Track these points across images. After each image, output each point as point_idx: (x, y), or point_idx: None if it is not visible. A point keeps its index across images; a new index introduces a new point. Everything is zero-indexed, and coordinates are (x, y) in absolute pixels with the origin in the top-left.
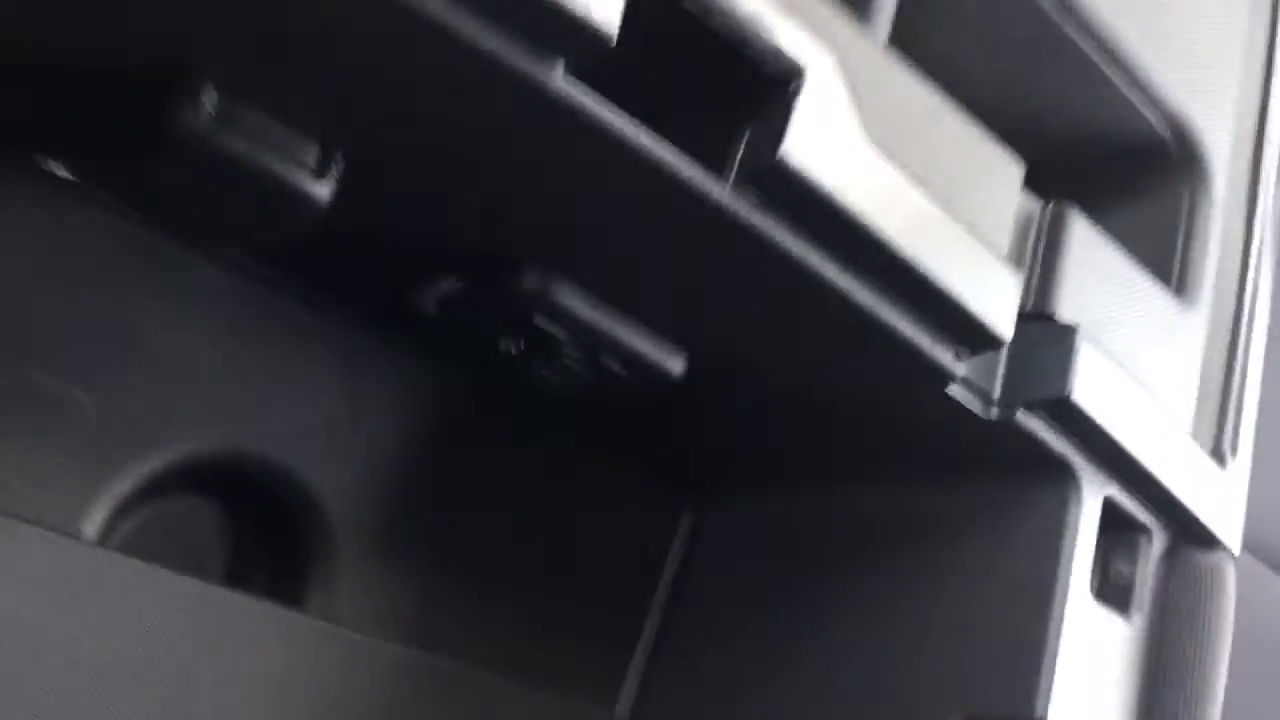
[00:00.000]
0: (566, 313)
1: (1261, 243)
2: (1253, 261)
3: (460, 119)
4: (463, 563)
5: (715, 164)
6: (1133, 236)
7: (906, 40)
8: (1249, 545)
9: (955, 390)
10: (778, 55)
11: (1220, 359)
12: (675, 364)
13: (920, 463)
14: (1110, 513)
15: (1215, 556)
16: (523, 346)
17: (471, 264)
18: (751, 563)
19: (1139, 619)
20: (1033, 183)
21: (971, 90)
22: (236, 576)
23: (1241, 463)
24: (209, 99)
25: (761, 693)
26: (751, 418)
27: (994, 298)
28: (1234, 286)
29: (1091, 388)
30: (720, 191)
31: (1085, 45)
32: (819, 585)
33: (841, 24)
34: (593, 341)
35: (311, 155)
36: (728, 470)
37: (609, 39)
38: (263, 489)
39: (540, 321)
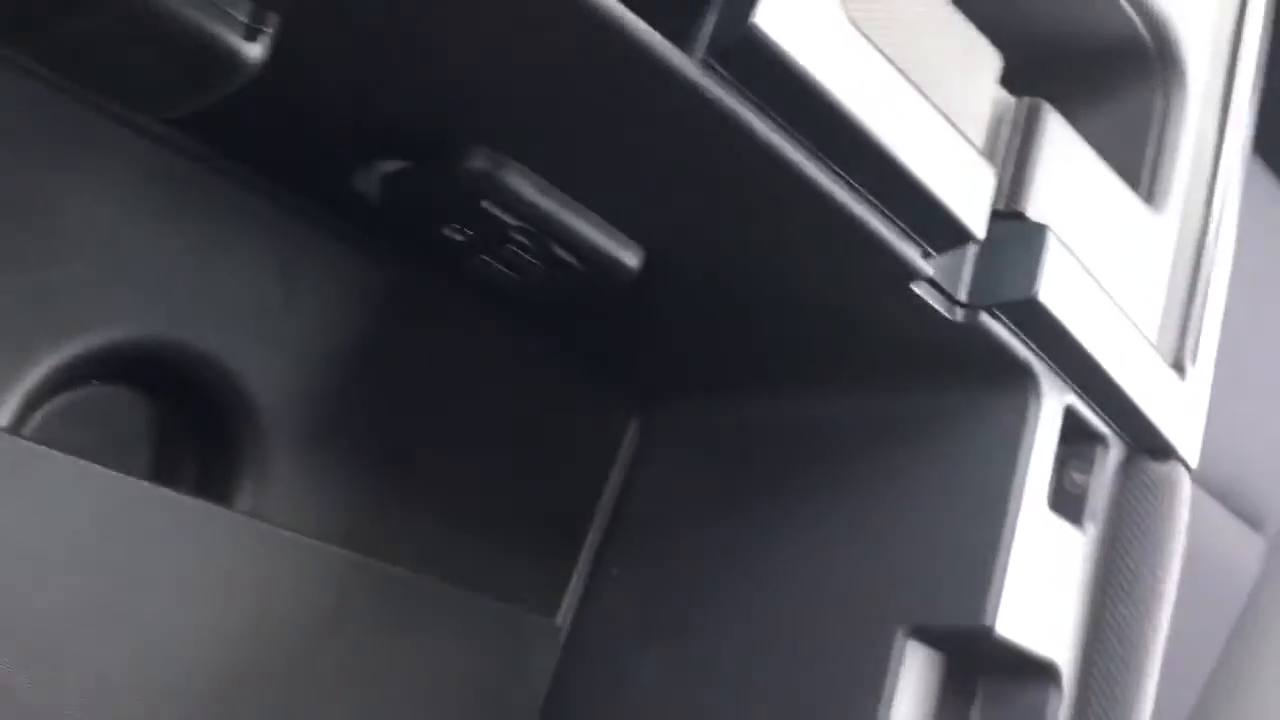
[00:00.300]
0: (516, 197)
1: (1234, 152)
2: (1223, 171)
3: None
4: (400, 462)
5: (681, 36)
6: (1105, 140)
7: None
8: None
9: (920, 289)
10: None
11: (1186, 268)
12: (631, 258)
13: (878, 366)
14: (1069, 421)
15: (1170, 467)
16: (468, 234)
17: (417, 143)
18: (699, 470)
19: (1092, 529)
20: (1007, 78)
21: None
22: (162, 471)
23: (1202, 374)
24: None
25: (707, 602)
26: (708, 317)
27: (968, 192)
28: (1203, 196)
29: (1059, 290)
30: (687, 66)
31: None
32: (768, 493)
33: None
34: (543, 229)
35: (243, 11)
36: (678, 375)
37: None
38: (190, 379)
39: (488, 206)
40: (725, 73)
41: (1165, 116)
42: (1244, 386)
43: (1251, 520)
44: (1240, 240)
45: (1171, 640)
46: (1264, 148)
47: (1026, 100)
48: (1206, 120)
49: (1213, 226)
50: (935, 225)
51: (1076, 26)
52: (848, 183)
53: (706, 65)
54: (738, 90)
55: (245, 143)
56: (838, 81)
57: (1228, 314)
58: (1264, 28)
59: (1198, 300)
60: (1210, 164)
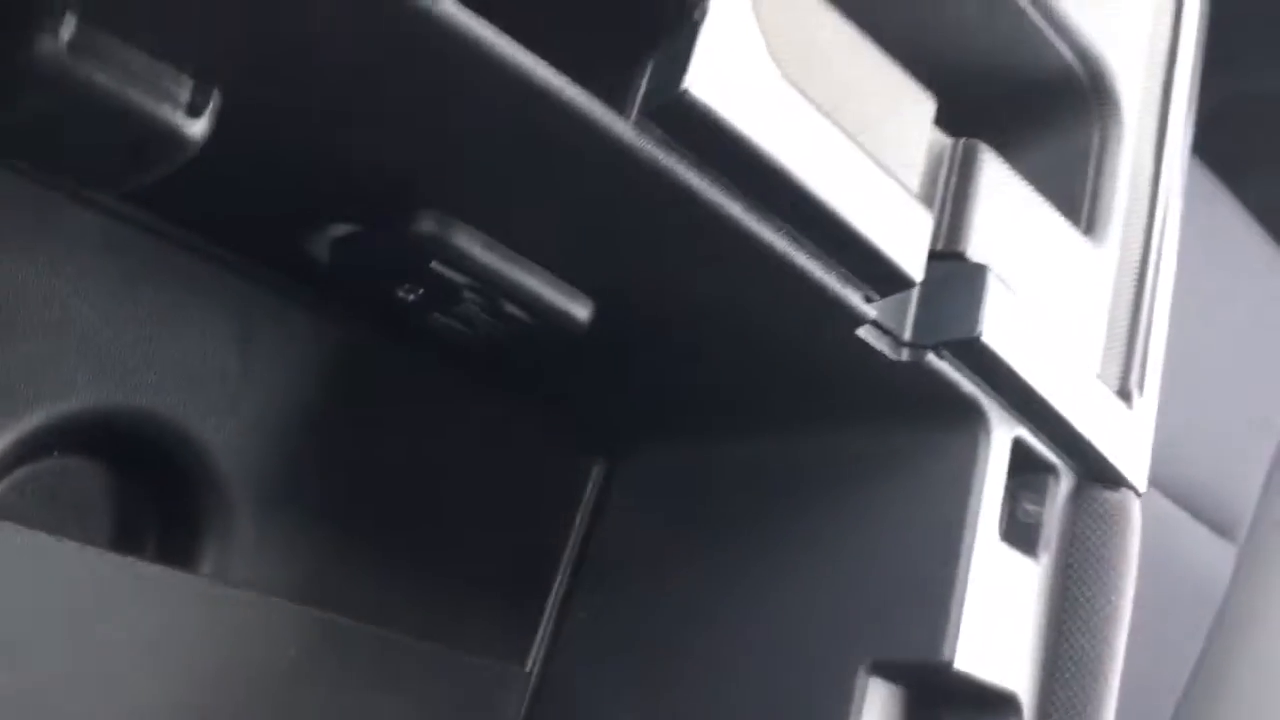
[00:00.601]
0: (465, 257)
1: (1171, 182)
2: (1161, 200)
3: (341, 50)
4: (364, 519)
5: (617, 99)
6: (1043, 174)
7: None
8: (1151, 479)
9: (865, 332)
10: None
11: (1128, 298)
12: (581, 310)
13: (829, 407)
14: (1020, 453)
15: (1121, 495)
16: (420, 294)
17: (365, 208)
18: (662, 514)
19: (1046, 559)
20: (943, 118)
21: (880, 22)
22: (125, 540)
23: (1148, 401)
24: (67, 28)
25: (673, 644)
26: (662, 364)
27: (905, 238)
28: (1142, 225)
29: (1001, 328)
30: (622, 127)
31: None
32: (729, 536)
33: None
34: (493, 287)
35: (185, 90)
36: (638, 420)
37: None
38: (149, 446)
39: (438, 266)
40: (660, 132)
41: (1102, 149)
42: (1204, 394)
43: (1220, 529)
44: (1188, 245)
45: (1147, 650)
46: (1201, 148)
47: (963, 141)
48: (1143, 150)
49: (1153, 255)
50: (874, 271)
51: (1012, 64)
52: (788, 233)
53: (641, 125)
54: (674, 148)
55: (196, 212)
56: (772, 137)
57: (1185, 325)
58: (1196, 48)
59: (1141, 329)
60: (1148, 193)
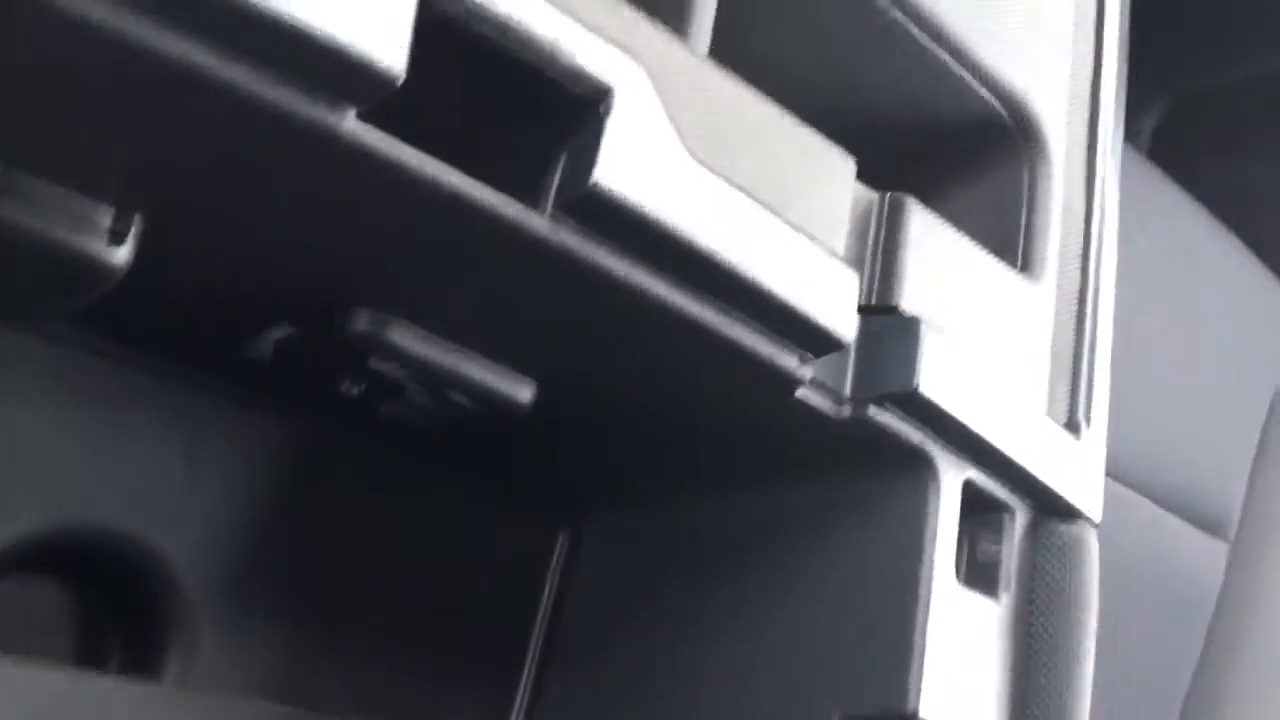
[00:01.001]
0: (402, 352)
1: (1103, 213)
2: (1095, 232)
3: (257, 173)
4: (330, 613)
5: (530, 195)
6: (975, 217)
7: (731, 43)
8: (1112, 472)
9: (804, 393)
10: (582, 75)
11: (1069, 331)
12: (523, 392)
13: (781, 464)
14: (972, 494)
15: (1078, 527)
16: (363, 388)
17: (300, 311)
18: (628, 578)
19: (1007, 598)
20: (874, 172)
21: (804, 85)
22: (87, 656)
23: (1096, 432)
24: None
25: (649, 708)
26: (609, 436)
27: (832, 300)
28: (1078, 258)
29: (939, 377)
30: (538, 222)
31: (914, 30)
32: (692, 595)
33: (652, 35)
34: (433, 378)
35: (106, 219)
36: (596, 488)
37: (394, 80)
38: (106, 562)
39: (376, 363)
40: (574, 224)
41: (1033, 187)
42: (1181, 396)
43: (1210, 528)
44: (1154, 252)
45: (1149, 655)
46: (1155, 153)
47: (889, 195)
48: (1073, 184)
49: (1091, 286)
50: (804, 336)
51: (937, 113)
52: (714, 307)
53: (557, 218)
54: (591, 238)
55: (134, 329)
56: (685, 219)
57: (1160, 329)
58: (1120, 78)
59: (1084, 360)
60: (1082, 225)
